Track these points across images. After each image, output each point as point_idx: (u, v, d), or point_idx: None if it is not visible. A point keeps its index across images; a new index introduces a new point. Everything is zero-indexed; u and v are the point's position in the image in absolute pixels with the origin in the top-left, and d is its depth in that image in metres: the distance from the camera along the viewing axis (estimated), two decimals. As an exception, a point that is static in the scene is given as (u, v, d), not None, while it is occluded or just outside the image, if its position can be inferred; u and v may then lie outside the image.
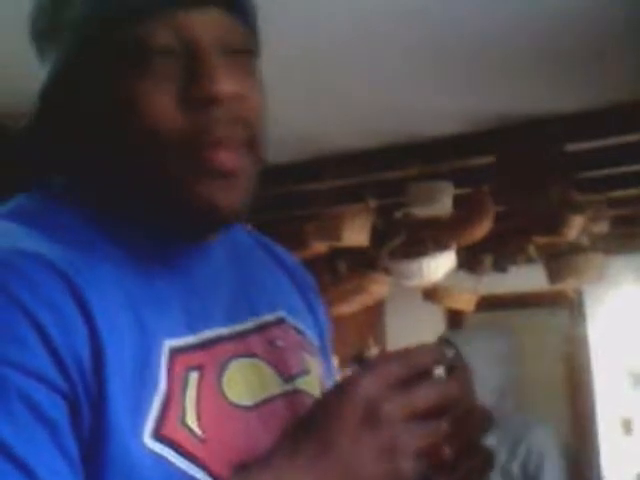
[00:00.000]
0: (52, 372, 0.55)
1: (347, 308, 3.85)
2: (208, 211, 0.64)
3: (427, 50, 2.34)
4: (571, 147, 3.02)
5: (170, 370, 0.62)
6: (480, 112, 2.90)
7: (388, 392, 0.59)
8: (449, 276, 3.59)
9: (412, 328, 5.14)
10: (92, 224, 0.65)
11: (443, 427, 0.60)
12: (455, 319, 5.19)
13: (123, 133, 0.63)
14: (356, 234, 3.32)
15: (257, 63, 0.69)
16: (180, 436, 0.60)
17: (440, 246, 3.47)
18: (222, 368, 0.66)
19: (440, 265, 3.46)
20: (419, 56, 2.39)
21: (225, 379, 0.66)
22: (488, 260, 4.36)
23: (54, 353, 0.55)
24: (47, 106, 0.66)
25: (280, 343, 0.75)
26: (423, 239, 3.49)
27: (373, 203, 3.35)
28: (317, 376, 0.78)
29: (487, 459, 0.67)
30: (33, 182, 0.69)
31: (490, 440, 0.68)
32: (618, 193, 3.59)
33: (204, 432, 0.61)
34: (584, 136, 2.98)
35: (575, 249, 3.56)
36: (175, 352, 0.63)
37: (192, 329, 0.66)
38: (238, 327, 0.72)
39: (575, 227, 3.28)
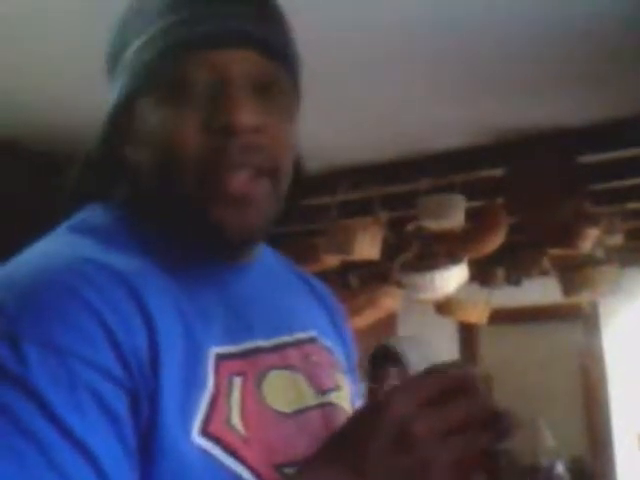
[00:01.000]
0: (117, 368, 0.61)
1: (359, 322, 3.82)
2: (219, 233, 0.69)
3: (441, 63, 2.33)
4: (585, 159, 2.99)
5: (216, 373, 0.67)
6: (493, 124, 2.88)
7: (420, 411, 0.60)
8: (461, 289, 3.56)
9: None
10: (144, 239, 0.72)
11: (478, 439, 0.61)
12: (468, 332, 5.15)
13: (157, 154, 0.70)
14: (367, 247, 3.30)
15: (294, 99, 0.76)
16: (226, 434, 0.64)
17: (452, 259, 3.44)
18: (262, 377, 0.71)
19: (452, 278, 3.43)
20: (433, 69, 2.38)
21: (265, 386, 0.71)
22: (501, 273, 4.33)
23: (118, 351, 0.61)
24: (109, 129, 0.75)
25: (314, 358, 0.80)
26: (435, 252, 3.47)
27: (384, 216, 3.33)
28: (348, 393, 0.83)
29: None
30: (93, 199, 0.77)
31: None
32: (633, 205, 3.56)
33: (247, 432, 0.66)
34: (598, 148, 2.96)
35: (589, 261, 3.52)
36: (220, 358, 0.68)
37: (234, 340, 0.71)
38: (275, 340, 0.76)
39: (589, 239, 3.24)
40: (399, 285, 3.63)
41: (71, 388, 0.58)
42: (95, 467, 0.57)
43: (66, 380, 0.58)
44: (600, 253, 3.56)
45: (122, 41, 0.74)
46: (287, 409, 0.72)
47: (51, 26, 2.09)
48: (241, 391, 0.68)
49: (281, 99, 0.73)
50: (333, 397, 0.79)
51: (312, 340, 0.82)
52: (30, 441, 0.56)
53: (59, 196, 0.77)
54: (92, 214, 0.75)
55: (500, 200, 3.21)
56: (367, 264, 3.58)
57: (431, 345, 2.89)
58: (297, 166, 0.80)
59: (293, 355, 0.77)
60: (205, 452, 0.63)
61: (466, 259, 3.44)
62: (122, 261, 0.67)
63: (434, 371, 0.65)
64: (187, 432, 0.62)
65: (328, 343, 0.85)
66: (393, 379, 2.54)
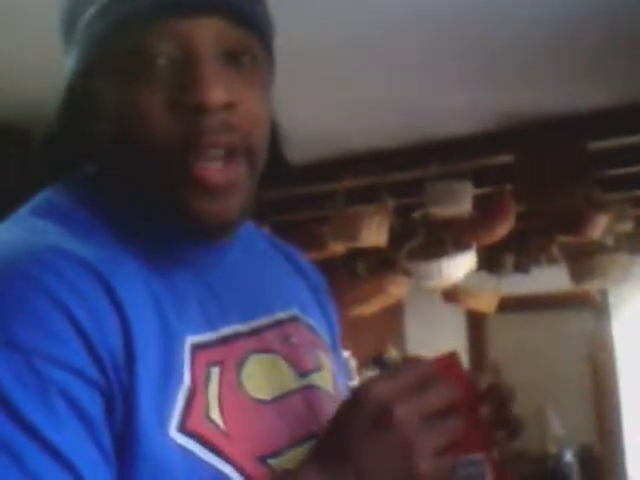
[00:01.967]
0: (89, 367, 0.57)
1: (366, 309, 3.82)
2: (194, 220, 0.65)
3: (446, 48, 2.29)
4: (595, 145, 2.96)
5: (193, 365, 0.64)
6: (500, 110, 2.85)
7: (400, 395, 0.60)
8: (469, 277, 3.54)
9: (432, 329, 5.10)
10: (111, 220, 0.67)
11: (460, 424, 0.61)
12: (476, 320, 5.13)
13: (120, 132, 0.65)
14: (374, 235, 3.28)
15: (268, 71, 0.70)
16: (205, 429, 0.62)
17: (460, 246, 3.42)
18: (241, 363, 0.69)
19: (460, 266, 3.41)
20: (438, 54, 2.35)
21: (244, 374, 0.68)
22: (509, 260, 4.30)
23: (90, 348, 0.58)
24: (67, 104, 0.69)
25: (294, 339, 0.77)
26: (442, 239, 3.44)
27: (391, 203, 3.31)
28: (330, 372, 0.81)
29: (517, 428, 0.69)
30: (56, 176, 0.72)
31: None
32: (643, 192, 3.52)
33: (227, 425, 0.64)
34: (607, 134, 2.92)
35: (599, 249, 3.49)
36: (196, 348, 0.65)
37: (211, 326, 0.68)
38: (254, 323, 0.74)
39: (599, 226, 3.21)
40: (406, 273, 3.62)
41: (41, 391, 0.55)
42: (72, 472, 0.55)
43: (35, 383, 0.55)
44: (610, 240, 3.52)
45: (75, 7, 0.68)
46: (267, 396, 0.69)
47: None
48: (219, 382, 0.65)
49: (254, 70, 0.67)
50: (315, 378, 0.77)
51: (293, 319, 0.80)
52: (1, 448, 0.53)
53: (22, 174, 0.75)
54: (55, 195, 0.70)
55: (508, 187, 3.18)
56: (374, 252, 3.57)
57: None
58: (275, 139, 0.74)
59: (272, 337, 0.74)
60: (185, 449, 0.60)
61: (474, 246, 3.41)
62: (88, 247, 0.63)
63: (411, 361, 0.66)
64: (165, 430, 0.60)
65: (310, 321, 0.83)
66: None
